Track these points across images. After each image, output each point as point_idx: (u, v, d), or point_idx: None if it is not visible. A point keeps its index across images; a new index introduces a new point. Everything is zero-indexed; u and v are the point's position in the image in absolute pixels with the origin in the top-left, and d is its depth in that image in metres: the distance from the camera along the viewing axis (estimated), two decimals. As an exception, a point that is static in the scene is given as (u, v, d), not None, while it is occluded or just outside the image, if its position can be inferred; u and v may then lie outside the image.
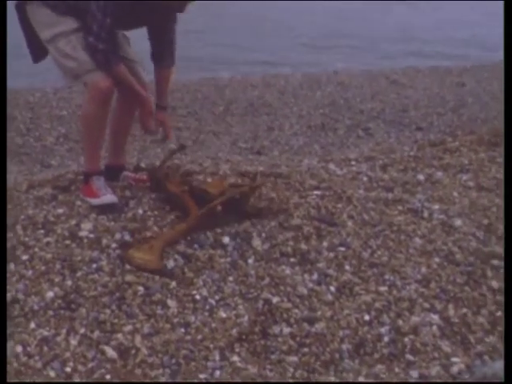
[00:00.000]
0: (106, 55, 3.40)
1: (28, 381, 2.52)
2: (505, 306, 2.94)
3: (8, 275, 3.03)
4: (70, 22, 3.46)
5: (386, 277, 3.31)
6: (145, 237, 3.35)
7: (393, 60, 12.22)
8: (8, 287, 2.95)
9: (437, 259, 3.49)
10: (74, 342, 2.71)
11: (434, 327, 3.01)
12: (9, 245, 3.23)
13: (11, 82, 8.10)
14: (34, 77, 7.88)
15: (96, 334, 2.76)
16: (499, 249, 3.54)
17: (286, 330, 2.90)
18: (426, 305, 3.15)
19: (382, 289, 3.22)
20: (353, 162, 4.76)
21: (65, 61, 3.48)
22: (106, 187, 3.60)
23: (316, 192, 4.01)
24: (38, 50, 3.62)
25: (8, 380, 2.47)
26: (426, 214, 3.90)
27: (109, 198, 3.56)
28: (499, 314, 3.12)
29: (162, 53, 3.74)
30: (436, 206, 4.00)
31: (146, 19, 3.62)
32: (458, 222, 3.83)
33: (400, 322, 3.02)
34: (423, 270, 3.39)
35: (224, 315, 2.94)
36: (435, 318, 3.07)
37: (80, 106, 6.86)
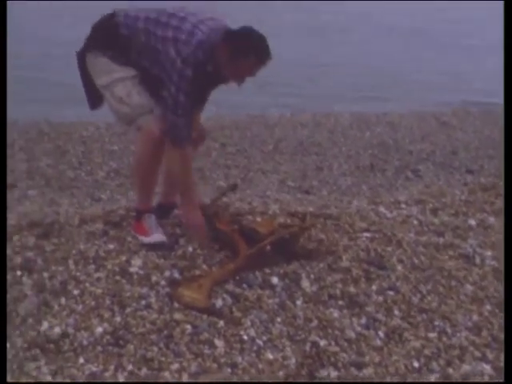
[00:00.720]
0: (186, 130, 3.45)
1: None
2: (505, 307, 2.88)
3: (58, 309, 3.07)
4: (127, 70, 3.53)
5: (436, 323, 3.26)
6: (194, 275, 3.37)
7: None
8: (58, 321, 2.99)
9: (488, 307, 3.43)
10: (121, 378, 2.72)
11: (486, 377, 2.95)
12: (60, 279, 3.28)
13: (65, 116, 8.34)
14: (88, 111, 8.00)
15: (143, 371, 2.76)
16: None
17: (334, 373, 2.87)
18: (478, 353, 3.10)
19: (432, 335, 3.18)
20: (403, 205, 4.72)
21: (119, 106, 3.54)
22: (157, 226, 3.64)
23: (366, 234, 3.99)
24: (95, 98, 3.70)
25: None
26: (477, 260, 3.85)
27: (159, 237, 3.60)
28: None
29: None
30: (488, 253, 3.94)
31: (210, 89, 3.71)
32: (510, 269, 3.77)
33: (450, 370, 2.97)
34: (474, 317, 3.34)
35: (271, 357, 2.92)
36: (487, 367, 3.01)
37: (131, 142, 7.01)
